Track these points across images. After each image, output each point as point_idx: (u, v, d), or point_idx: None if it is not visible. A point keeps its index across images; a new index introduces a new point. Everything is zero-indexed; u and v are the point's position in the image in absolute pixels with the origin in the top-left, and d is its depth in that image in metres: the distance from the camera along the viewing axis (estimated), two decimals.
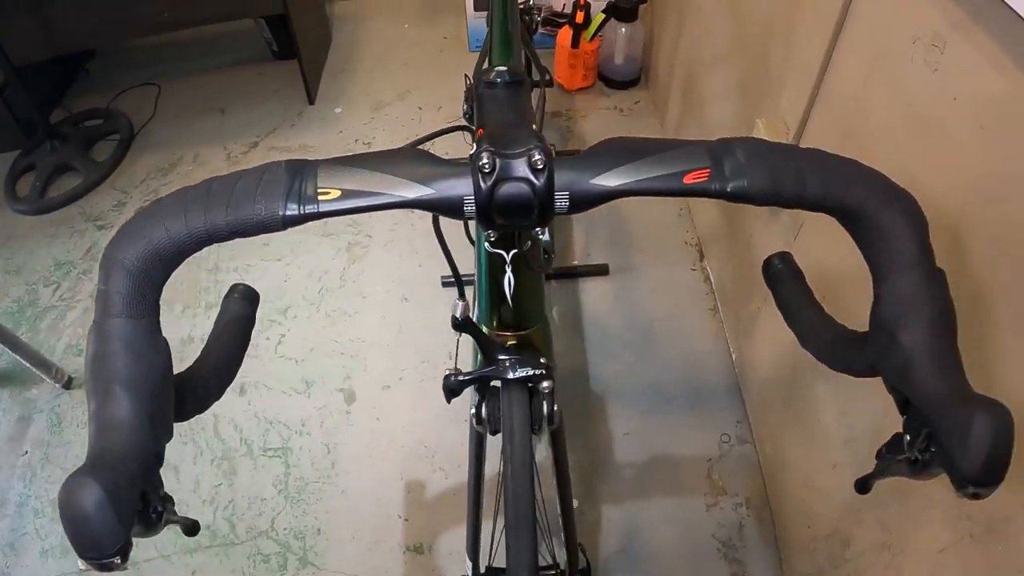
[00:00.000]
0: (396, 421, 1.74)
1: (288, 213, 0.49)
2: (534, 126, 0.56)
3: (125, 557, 0.42)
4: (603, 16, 2.33)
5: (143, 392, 0.46)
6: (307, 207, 0.49)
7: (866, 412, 1.13)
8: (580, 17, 2.31)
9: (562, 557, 1.22)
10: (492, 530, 1.22)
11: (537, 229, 0.62)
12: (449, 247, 0.88)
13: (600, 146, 0.53)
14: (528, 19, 1.64)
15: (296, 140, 2.51)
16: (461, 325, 0.66)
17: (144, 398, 0.46)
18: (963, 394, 0.46)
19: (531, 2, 1.63)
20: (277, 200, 0.49)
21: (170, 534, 1.55)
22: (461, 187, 0.50)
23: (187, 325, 1.97)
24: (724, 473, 1.61)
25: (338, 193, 0.50)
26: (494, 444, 0.86)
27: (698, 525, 1.54)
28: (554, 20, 2.58)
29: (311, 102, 2.64)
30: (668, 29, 2.22)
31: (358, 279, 2.05)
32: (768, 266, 0.61)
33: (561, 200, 0.51)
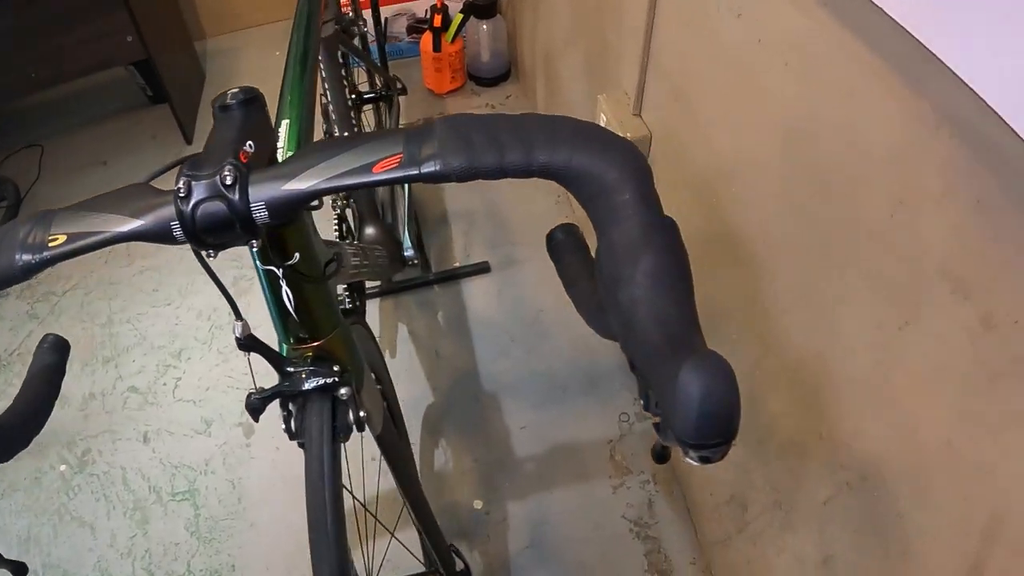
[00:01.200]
0: (295, 447, 1.63)
1: (21, 263, 0.50)
2: (249, 143, 0.53)
3: None
4: (461, 16, 2.24)
5: None
6: (38, 255, 0.50)
7: (740, 374, 1.08)
8: (438, 20, 2.22)
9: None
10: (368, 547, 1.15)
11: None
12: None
13: (302, 150, 0.51)
14: (356, 31, 1.54)
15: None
16: (246, 344, 0.65)
17: None
18: (680, 349, 0.39)
19: (350, 14, 1.52)
20: (14, 252, 0.50)
21: None
22: (168, 215, 0.50)
23: (87, 382, 1.84)
24: (627, 453, 1.53)
25: (64, 238, 0.50)
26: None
27: (607, 508, 1.46)
28: (418, 27, 2.49)
29: (188, 142, 2.51)
30: (527, 19, 2.15)
31: (246, 312, 1.87)
32: (550, 238, 0.58)
33: (258, 212, 0.50)
